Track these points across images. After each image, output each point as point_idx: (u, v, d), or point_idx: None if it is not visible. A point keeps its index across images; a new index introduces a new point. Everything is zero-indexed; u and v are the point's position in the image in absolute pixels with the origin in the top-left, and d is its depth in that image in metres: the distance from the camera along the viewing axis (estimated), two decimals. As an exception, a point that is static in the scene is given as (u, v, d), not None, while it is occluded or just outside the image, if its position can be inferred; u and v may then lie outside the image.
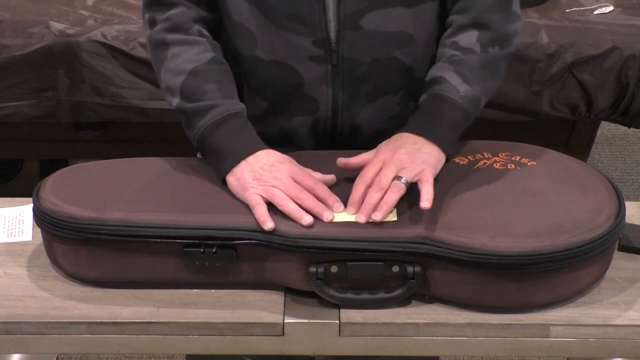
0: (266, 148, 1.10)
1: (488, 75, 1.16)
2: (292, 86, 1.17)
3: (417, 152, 1.07)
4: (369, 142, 1.21)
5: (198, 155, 1.21)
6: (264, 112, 1.22)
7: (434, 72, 1.16)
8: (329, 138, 1.22)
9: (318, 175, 1.08)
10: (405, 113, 1.23)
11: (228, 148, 1.09)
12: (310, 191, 1.04)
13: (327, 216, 1.01)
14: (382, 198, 1.02)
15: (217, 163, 1.09)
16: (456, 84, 1.13)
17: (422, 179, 1.03)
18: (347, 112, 1.19)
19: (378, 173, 1.05)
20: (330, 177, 1.09)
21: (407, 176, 1.04)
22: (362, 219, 1.01)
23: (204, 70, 1.13)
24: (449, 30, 1.18)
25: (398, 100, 1.21)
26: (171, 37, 1.14)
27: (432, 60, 1.21)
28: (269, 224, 1.00)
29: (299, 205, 1.02)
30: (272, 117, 1.22)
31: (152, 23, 1.16)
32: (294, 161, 1.09)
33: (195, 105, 1.11)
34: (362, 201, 1.03)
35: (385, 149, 1.09)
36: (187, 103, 1.12)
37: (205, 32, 1.17)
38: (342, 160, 1.11)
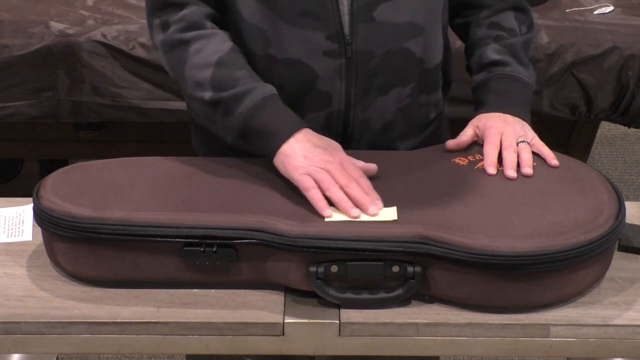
0: (310, 127, 1.11)
1: (528, 57, 1.26)
2: (306, 83, 1.17)
3: (521, 123, 1.18)
4: (379, 136, 1.23)
5: (234, 145, 1.21)
6: None
7: (490, 54, 1.24)
8: (341, 133, 1.22)
9: (361, 164, 1.10)
10: (413, 105, 1.24)
11: (274, 127, 1.09)
12: (356, 182, 1.05)
13: (372, 210, 1.02)
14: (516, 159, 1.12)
15: (264, 144, 1.09)
16: (518, 68, 1.23)
17: (537, 144, 1.15)
18: (360, 105, 1.20)
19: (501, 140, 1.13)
20: (373, 166, 1.11)
21: (528, 139, 1.15)
22: (512, 174, 1.09)
23: (229, 59, 1.13)
24: (485, 12, 1.27)
25: (408, 92, 1.22)
26: (189, 35, 1.14)
27: (440, 50, 1.24)
28: (327, 210, 1.02)
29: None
30: None
31: (164, 26, 1.16)
32: (341, 148, 1.10)
33: (230, 92, 1.11)
34: (497, 162, 1.11)
35: (493, 122, 1.17)
36: (222, 92, 1.11)
37: (217, 27, 1.17)
38: (452, 143, 1.18)
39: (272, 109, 1.11)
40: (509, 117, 1.18)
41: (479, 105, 1.24)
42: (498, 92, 1.22)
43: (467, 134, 1.18)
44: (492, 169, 1.11)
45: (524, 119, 1.20)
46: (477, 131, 1.18)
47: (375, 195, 1.05)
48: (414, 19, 1.16)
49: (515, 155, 1.12)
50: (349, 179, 1.05)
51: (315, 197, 1.03)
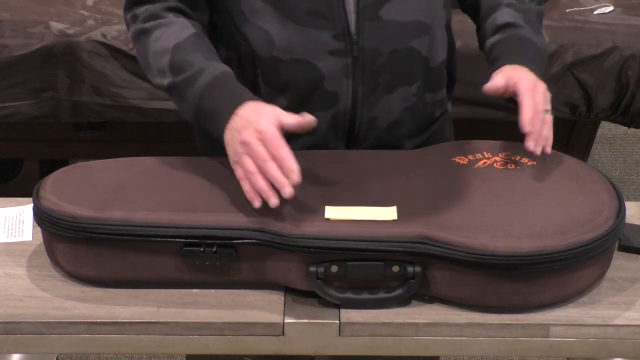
0: (251, 101, 1.07)
1: (541, 27, 1.25)
2: (313, 82, 1.17)
3: (542, 83, 1.14)
4: (385, 135, 1.23)
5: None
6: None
7: (504, 17, 1.23)
8: (347, 132, 1.22)
9: (291, 119, 1.04)
10: (419, 104, 1.24)
11: (220, 105, 1.08)
12: (274, 156, 1.01)
13: (287, 191, 0.99)
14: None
15: (215, 125, 1.08)
16: (531, 33, 1.21)
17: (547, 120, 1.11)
18: (366, 104, 1.20)
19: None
20: (310, 118, 1.06)
21: (548, 108, 1.11)
22: (537, 148, 1.07)
23: (186, 43, 1.13)
24: None
25: (414, 90, 1.22)
26: (150, 23, 1.16)
27: (445, 48, 1.24)
28: (256, 202, 1.01)
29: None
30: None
31: (133, 19, 1.19)
32: (273, 112, 1.05)
33: (183, 76, 1.11)
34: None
35: (524, 75, 1.12)
36: (177, 77, 1.12)
37: (181, 16, 1.18)
38: (489, 87, 1.11)
39: (221, 87, 1.10)
40: (531, 74, 1.14)
41: (496, 61, 1.20)
42: (515, 50, 1.19)
43: (499, 80, 1.12)
44: (527, 127, 1.06)
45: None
46: (509, 79, 1.12)
47: (292, 166, 1.00)
48: (420, 17, 1.17)
49: (541, 125, 1.08)
50: (264, 159, 1.01)
51: (245, 188, 1.03)
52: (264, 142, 1.02)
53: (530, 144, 1.07)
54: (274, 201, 1.00)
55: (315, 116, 1.18)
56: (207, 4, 1.20)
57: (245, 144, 1.03)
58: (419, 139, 1.29)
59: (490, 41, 1.24)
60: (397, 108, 1.22)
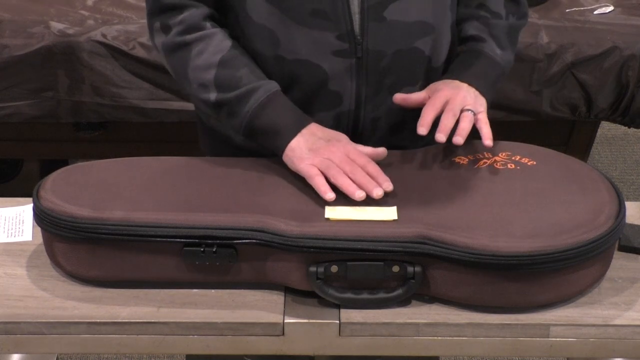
0: (315, 122, 1.13)
1: (511, 42, 1.26)
2: (317, 83, 1.17)
3: (475, 95, 1.17)
4: (388, 135, 1.24)
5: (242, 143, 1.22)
6: None
7: (469, 29, 1.25)
8: (351, 132, 1.22)
9: (369, 150, 1.12)
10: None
11: (280, 124, 1.12)
12: (362, 169, 1.07)
13: (376, 192, 1.04)
14: (454, 125, 1.11)
15: (272, 142, 1.12)
16: (493, 47, 1.23)
17: (481, 120, 1.14)
18: (370, 104, 1.20)
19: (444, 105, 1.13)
20: (382, 150, 1.13)
21: (474, 110, 1.14)
22: (441, 138, 1.09)
23: (231, 58, 1.14)
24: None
25: (417, 90, 1.22)
26: (190, 37, 1.15)
27: (447, 49, 1.24)
28: (329, 194, 1.04)
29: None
30: None
31: (165, 29, 1.16)
32: (348, 139, 1.13)
33: (235, 93, 1.12)
34: (430, 124, 1.11)
35: (445, 87, 1.16)
36: (227, 93, 1.13)
37: (217, 26, 1.18)
38: (399, 96, 1.17)
39: (276, 106, 1.13)
40: (464, 86, 1.17)
41: (445, 74, 1.24)
42: (463, 63, 1.23)
43: (418, 94, 1.17)
44: (422, 130, 1.10)
45: (487, 96, 1.19)
46: (430, 94, 1.17)
47: (383, 177, 1.07)
48: (424, 17, 1.17)
49: (453, 121, 1.11)
50: (354, 166, 1.07)
51: (319, 182, 1.05)
52: (351, 157, 1.08)
53: (437, 136, 1.10)
54: (360, 194, 1.03)
55: (319, 116, 1.19)
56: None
57: (331, 152, 1.08)
58: (422, 140, 1.28)
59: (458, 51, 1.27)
60: (400, 109, 1.22)
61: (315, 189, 1.05)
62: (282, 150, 1.11)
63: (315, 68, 1.15)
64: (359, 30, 1.14)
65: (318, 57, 1.15)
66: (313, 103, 1.18)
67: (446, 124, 1.10)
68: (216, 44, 1.14)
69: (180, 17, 1.15)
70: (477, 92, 1.18)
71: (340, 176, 1.06)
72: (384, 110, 1.21)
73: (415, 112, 1.23)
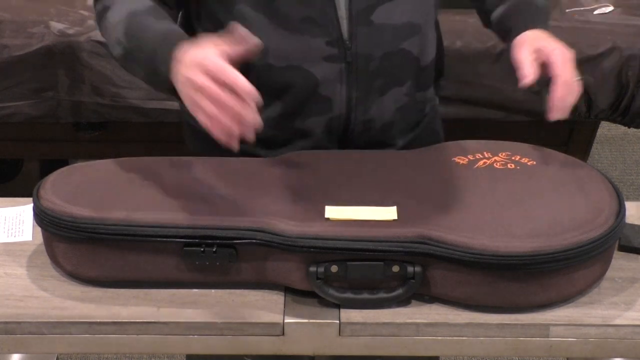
0: (185, 40, 1.02)
1: None
2: (307, 88, 1.17)
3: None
4: (379, 135, 1.24)
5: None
6: (277, 115, 1.21)
7: None
8: (342, 135, 1.22)
9: (231, 44, 0.98)
10: (411, 103, 1.25)
11: (157, 59, 1.03)
12: (225, 83, 0.95)
13: (249, 116, 0.93)
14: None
15: (161, 84, 1.04)
16: None
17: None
18: (361, 107, 1.20)
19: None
20: (255, 40, 0.99)
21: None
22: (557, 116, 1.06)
23: (141, 11, 1.09)
24: None
25: (405, 90, 1.22)
26: (108, 1, 1.13)
27: (434, 46, 1.24)
28: (233, 144, 0.94)
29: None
30: (286, 120, 1.22)
31: (96, 2, 1.16)
32: (204, 46, 0.99)
33: (138, 38, 1.07)
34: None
35: (553, 43, 1.10)
36: (131, 43, 1.08)
37: None
38: (526, 80, 1.07)
39: (166, 44, 1.03)
40: (549, 35, 1.13)
41: (511, 31, 1.18)
42: (528, 16, 1.18)
43: (534, 67, 1.08)
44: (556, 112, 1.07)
45: None
46: (537, 54, 1.10)
47: (246, 87, 0.93)
48: (411, 18, 1.17)
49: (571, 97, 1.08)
50: (218, 97, 0.93)
51: (213, 130, 0.95)
52: (212, 75, 0.95)
53: (552, 115, 1.06)
54: (248, 136, 0.93)
55: (310, 122, 1.18)
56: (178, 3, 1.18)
57: (197, 87, 0.95)
58: (410, 135, 1.29)
59: (497, 12, 1.22)
60: (389, 109, 1.22)
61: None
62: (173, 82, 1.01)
63: (305, 74, 1.15)
64: (347, 35, 1.14)
65: (308, 63, 1.15)
66: (304, 109, 1.18)
67: (570, 103, 1.07)
68: (131, 2, 1.10)
69: None
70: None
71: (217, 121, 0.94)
72: (375, 112, 1.21)
73: (403, 111, 1.23)
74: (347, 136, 1.22)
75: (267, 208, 1.04)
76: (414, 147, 1.23)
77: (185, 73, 0.97)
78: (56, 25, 1.91)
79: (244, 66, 1.16)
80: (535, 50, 1.10)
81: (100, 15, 1.15)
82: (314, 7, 1.12)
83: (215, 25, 1.17)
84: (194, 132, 1.33)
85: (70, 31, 1.90)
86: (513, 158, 1.14)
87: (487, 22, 1.28)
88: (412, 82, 1.22)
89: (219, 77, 0.94)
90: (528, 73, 1.07)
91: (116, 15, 1.11)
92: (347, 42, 1.14)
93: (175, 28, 1.10)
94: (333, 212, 1.03)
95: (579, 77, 1.08)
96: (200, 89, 0.94)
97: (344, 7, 1.13)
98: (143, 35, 1.07)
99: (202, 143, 1.29)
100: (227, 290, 1.05)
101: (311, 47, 1.14)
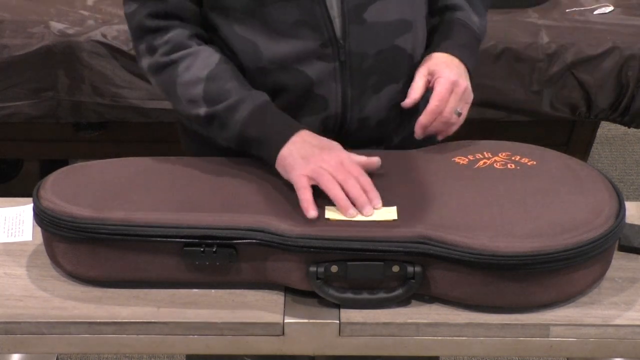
0: (307, 129, 1.12)
1: (485, 9, 1.30)
2: (302, 89, 1.17)
3: (468, 80, 1.20)
4: (374, 133, 1.24)
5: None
6: None
7: None
8: (338, 134, 1.22)
9: (363, 159, 1.10)
10: (404, 98, 1.24)
11: (271, 132, 1.10)
12: (355, 180, 1.05)
13: (367, 211, 1.02)
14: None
15: (264, 151, 1.10)
16: (470, 15, 1.26)
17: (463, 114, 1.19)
18: (356, 106, 1.20)
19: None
20: (375, 159, 1.11)
21: (464, 112, 1.19)
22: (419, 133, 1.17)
23: (219, 72, 1.13)
24: None
25: (400, 87, 1.22)
26: (176, 55, 1.14)
27: (425, 42, 1.25)
28: (311, 212, 1.01)
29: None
30: None
31: (151, 50, 1.16)
32: (341, 147, 1.11)
33: (223, 105, 1.12)
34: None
35: (447, 71, 1.18)
36: (216, 106, 1.12)
37: (203, 43, 1.18)
38: (408, 103, 1.18)
39: (266, 115, 1.12)
40: (456, 65, 1.20)
41: (429, 46, 1.25)
42: (449, 37, 1.24)
43: (418, 87, 1.18)
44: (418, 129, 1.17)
45: (464, 63, 1.22)
46: (429, 78, 1.19)
47: (374, 193, 1.05)
48: (403, 15, 1.18)
49: (444, 128, 1.18)
50: (347, 176, 1.05)
51: (304, 196, 1.03)
52: (345, 167, 1.06)
53: (417, 134, 1.17)
54: (352, 212, 1.02)
55: (306, 120, 1.18)
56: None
57: (324, 160, 1.06)
58: (405, 130, 1.29)
59: (433, 20, 1.28)
60: (384, 106, 1.23)
61: (300, 202, 1.03)
62: (274, 159, 1.09)
63: (300, 74, 1.16)
64: (341, 34, 1.14)
65: (302, 64, 1.15)
66: (299, 109, 1.18)
67: (444, 132, 1.19)
68: (203, 59, 1.14)
69: (166, 37, 1.15)
70: (460, 64, 1.21)
71: (332, 186, 1.03)
72: (370, 109, 1.21)
73: (398, 107, 1.24)
74: (342, 134, 1.22)
75: (267, 208, 1.04)
76: (410, 142, 1.24)
77: (316, 149, 1.08)
78: (56, 25, 1.92)
79: (239, 68, 1.17)
80: (430, 73, 1.19)
81: (161, 67, 1.15)
82: (305, 10, 1.12)
83: (210, 32, 1.18)
84: (188, 133, 1.33)
85: (70, 31, 1.91)
86: (513, 158, 1.14)
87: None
88: (406, 80, 1.23)
89: (354, 174, 1.06)
90: (412, 95, 1.18)
91: (191, 75, 1.13)
92: (341, 41, 1.15)
93: (268, 99, 1.15)
94: (333, 212, 1.03)
95: (457, 111, 1.17)
96: (329, 166, 1.05)
97: (336, 6, 1.13)
98: (232, 103, 1.12)
99: (196, 144, 1.30)
100: (227, 290, 1.05)
101: (305, 50, 1.14)
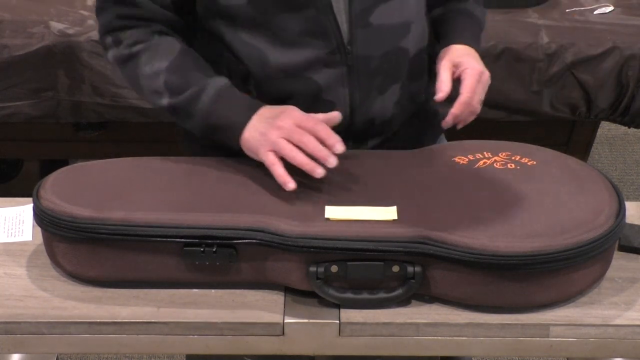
0: (266, 105, 1.12)
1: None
2: (310, 95, 1.17)
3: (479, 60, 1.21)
4: (379, 132, 1.24)
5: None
6: None
7: None
8: (344, 135, 1.22)
9: (320, 115, 1.10)
10: (406, 95, 1.26)
11: (231, 119, 1.11)
12: (312, 133, 1.06)
13: (330, 162, 1.04)
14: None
15: (229, 138, 1.12)
16: (474, 5, 1.29)
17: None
18: (363, 108, 1.20)
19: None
20: (336, 114, 1.12)
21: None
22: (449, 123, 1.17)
23: (179, 63, 1.15)
24: None
25: (401, 84, 1.23)
26: (138, 47, 1.16)
27: (425, 37, 1.26)
28: (290, 184, 1.03)
29: (303, 151, 1.05)
30: None
31: (116, 42, 1.18)
32: (295, 108, 1.11)
33: (185, 95, 1.13)
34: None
35: (473, 62, 1.18)
36: (178, 97, 1.13)
37: (164, 34, 1.19)
38: (440, 97, 1.16)
39: (226, 100, 1.13)
40: (472, 51, 1.22)
41: (443, 38, 1.27)
42: (460, 28, 1.26)
43: (448, 79, 1.17)
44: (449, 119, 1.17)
45: (478, 52, 1.24)
46: (455, 69, 1.19)
47: (334, 138, 1.06)
48: (405, 16, 1.18)
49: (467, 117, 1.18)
50: (302, 134, 1.05)
51: (277, 172, 1.05)
52: (299, 124, 1.06)
53: (444, 124, 1.17)
54: (319, 171, 1.03)
55: None
56: (188, 26, 1.21)
57: (279, 127, 1.06)
58: (409, 123, 1.30)
59: (436, 12, 1.29)
60: (389, 105, 1.23)
61: (275, 178, 1.05)
62: (240, 144, 1.11)
63: (308, 82, 1.16)
64: (348, 39, 1.15)
65: (310, 71, 1.16)
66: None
67: (467, 120, 1.19)
68: (163, 50, 1.16)
69: (129, 32, 1.17)
70: (477, 55, 1.22)
71: (294, 154, 1.05)
72: (376, 110, 1.22)
73: (401, 105, 1.25)
74: (349, 136, 1.22)
75: (267, 208, 1.04)
76: (413, 139, 1.24)
77: (271, 119, 1.08)
78: (56, 25, 1.91)
79: (244, 77, 1.17)
80: (455, 65, 1.19)
81: (124, 59, 1.18)
82: (312, 20, 1.12)
83: (217, 38, 1.19)
84: (187, 133, 1.33)
85: (70, 31, 1.90)
86: (513, 158, 1.14)
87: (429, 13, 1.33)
88: (406, 78, 1.23)
89: (307, 128, 1.06)
90: (442, 88, 1.16)
91: (152, 66, 1.15)
92: (348, 47, 1.15)
93: (229, 83, 1.15)
94: (333, 212, 1.03)
95: (481, 101, 1.18)
96: (282, 129, 1.06)
97: (343, 12, 1.13)
98: (194, 92, 1.13)
99: (196, 144, 1.30)
100: (227, 290, 1.05)
101: (313, 58, 1.15)
